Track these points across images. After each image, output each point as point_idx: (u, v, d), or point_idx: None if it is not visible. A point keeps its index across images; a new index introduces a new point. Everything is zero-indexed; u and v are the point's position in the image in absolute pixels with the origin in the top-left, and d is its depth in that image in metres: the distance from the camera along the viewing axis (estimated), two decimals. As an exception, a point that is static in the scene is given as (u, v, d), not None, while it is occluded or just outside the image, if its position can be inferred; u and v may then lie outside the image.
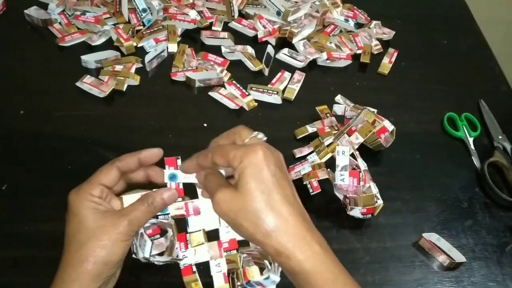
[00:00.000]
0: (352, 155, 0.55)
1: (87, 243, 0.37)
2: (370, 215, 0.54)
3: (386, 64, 0.74)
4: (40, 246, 0.51)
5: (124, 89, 0.66)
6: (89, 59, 0.68)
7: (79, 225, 0.38)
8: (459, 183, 0.62)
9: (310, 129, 0.63)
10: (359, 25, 0.80)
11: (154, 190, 0.41)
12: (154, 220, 0.42)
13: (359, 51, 0.75)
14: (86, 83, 0.66)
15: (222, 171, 0.40)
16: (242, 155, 0.35)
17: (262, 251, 0.44)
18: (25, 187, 0.55)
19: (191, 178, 0.41)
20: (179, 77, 0.68)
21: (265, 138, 0.40)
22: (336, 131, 0.61)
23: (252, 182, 0.35)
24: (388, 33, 0.78)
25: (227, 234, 0.42)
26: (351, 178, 0.53)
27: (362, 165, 0.55)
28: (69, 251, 0.38)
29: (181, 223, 0.43)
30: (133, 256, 0.42)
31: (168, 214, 0.42)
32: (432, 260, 0.54)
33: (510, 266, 0.55)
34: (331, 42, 0.75)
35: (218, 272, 0.42)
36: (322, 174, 0.57)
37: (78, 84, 0.66)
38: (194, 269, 0.42)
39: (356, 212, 0.54)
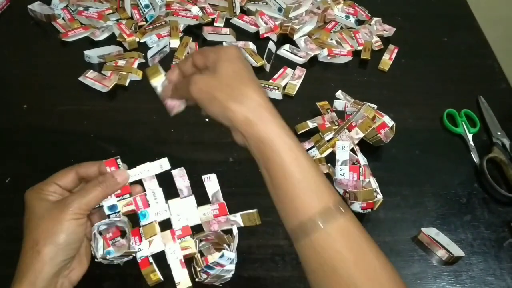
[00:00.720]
0: (352, 150, 0.55)
1: (37, 228, 0.37)
2: (369, 210, 0.54)
3: (387, 61, 0.74)
4: None
5: (127, 84, 0.66)
6: (92, 54, 0.67)
7: (31, 214, 0.39)
8: (458, 178, 0.62)
9: (311, 124, 0.63)
10: (359, 22, 0.80)
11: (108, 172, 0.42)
12: (107, 221, 0.42)
13: (359, 48, 0.74)
14: (89, 78, 0.66)
15: None
16: (220, 49, 0.41)
17: (218, 233, 0.44)
18: (28, 181, 0.54)
19: (162, 206, 0.43)
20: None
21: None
22: (336, 127, 0.61)
23: (226, 64, 0.40)
24: (388, 30, 0.78)
25: (179, 222, 0.43)
26: (351, 173, 0.53)
27: (362, 160, 0.55)
28: (24, 240, 0.38)
29: (133, 218, 0.43)
30: (95, 259, 0.42)
31: (119, 211, 0.42)
32: (431, 254, 0.54)
33: (508, 260, 0.55)
34: (332, 39, 0.75)
35: (174, 259, 0.42)
36: (323, 169, 0.57)
37: (81, 79, 0.66)
38: (151, 260, 0.42)
39: (356, 206, 0.54)
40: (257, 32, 0.74)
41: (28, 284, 0.36)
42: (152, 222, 0.43)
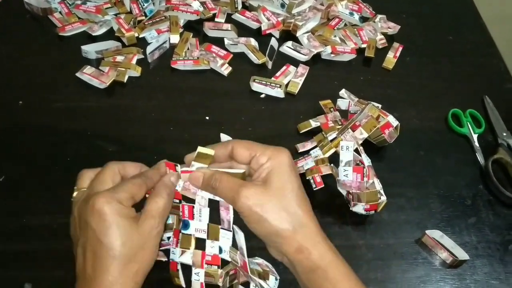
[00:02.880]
0: (356, 150, 0.55)
1: (135, 256, 0.36)
2: (373, 212, 0.54)
3: (391, 59, 0.73)
4: (38, 239, 0.50)
5: (125, 80, 0.65)
6: (90, 50, 0.66)
7: (122, 237, 0.35)
8: (463, 180, 0.61)
9: (314, 123, 0.62)
10: (364, 19, 0.79)
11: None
12: None
13: (363, 45, 0.74)
14: (86, 74, 0.65)
15: (230, 171, 0.40)
16: (271, 153, 0.38)
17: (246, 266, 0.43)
18: (24, 179, 0.55)
19: (203, 226, 0.42)
20: (179, 65, 0.67)
21: None
22: (340, 126, 0.60)
23: (283, 179, 0.37)
24: (393, 28, 0.77)
25: (212, 248, 0.42)
26: (355, 174, 0.52)
27: (366, 160, 0.54)
28: (117, 265, 0.35)
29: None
30: None
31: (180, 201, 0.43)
32: (435, 257, 0.54)
33: (513, 264, 0.54)
34: (335, 36, 0.74)
35: (196, 280, 0.43)
36: (326, 170, 0.56)
37: (78, 74, 0.65)
38: (179, 266, 0.44)
39: (359, 208, 0.53)
40: (259, 28, 0.73)
41: None
42: (191, 235, 0.43)
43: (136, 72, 0.66)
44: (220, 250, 0.42)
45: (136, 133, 0.61)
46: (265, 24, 0.73)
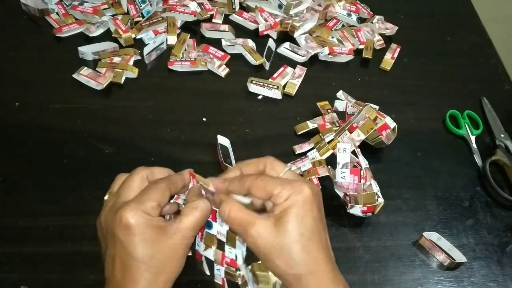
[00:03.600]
0: (353, 152, 0.54)
1: (164, 267, 0.36)
2: (370, 214, 0.53)
3: (389, 60, 0.73)
4: (34, 242, 0.50)
5: (122, 81, 0.65)
6: (87, 51, 0.66)
7: (151, 249, 0.36)
8: (461, 181, 0.61)
9: (311, 125, 0.61)
10: (361, 20, 0.78)
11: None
12: None
13: (361, 46, 0.73)
14: (83, 75, 0.64)
15: (243, 199, 0.39)
16: (290, 193, 0.35)
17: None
18: (20, 181, 0.54)
19: (223, 231, 0.42)
20: (176, 66, 0.67)
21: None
22: (337, 128, 0.60)
23: (295, 223, 0.35)
24: (391, 29, 0.77)
25: (230, 254, 0.43)
26: (352, 176, 0.52)
27: (364, 162, 0.54)
28: (147, 277, 0.36)
29: None
30: None
31: None
32: (432, 259, 0.54)
33: (511, 266, 0.54)
34: (333, 37, 0.74)
35: (218, 275, 0.44)
36: (323, 171, 0.56)
37: (75, 76, 0.64)
38: (203, 258, 0.45)
39: (357, 210, 0.52)
40: (257, 29, 0.73)
41: None
42: (214, 234, 0.43)
43: (133, 73, 0.65)
44: (236, 258, 0.42)
45: (133, 134, 0.60)
46: (262, 25, 0.72)
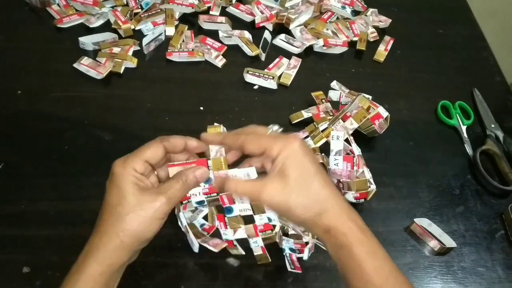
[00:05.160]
0: (347, 140, 0.53)
1: (125, 217, 0.36)
2: (363, 200, 0.52)
3: (382, 52, 0.72)
4: (36, 225, 0.49)
5: (122, 71, 0.64)
6: (87, 41, 0.65)
7: (120, 198, 0.37)
8: (452, 170, 0.60)
9: (306, 114, 0.60)
10: (355, 13, 0.77)
11: (187, 168, 0.40)
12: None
13: (355, 38, 0.72)
14: (84, 65, 0.63)
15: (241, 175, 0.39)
16: (281, 146, 0.37)
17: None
18: (22, 167, 0.54)
19: (247, 206, 0.42)
20: (174, 57, 0.66)
21: (280, 129, 0.43)
22: (331, 117, 0.59)
23: (296, 170, 0.36)
24: (384, 21, 0.75)
25: (261, 220, 0.44)
26: (345, 163, 0.51)
27: (356, 150, 0.53)
28: (107, 221, 0.37)
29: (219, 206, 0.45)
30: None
31: (205, 205, 0.44)
32: (423, 245, 0.53)
33: (500, 252, 0.53)
34: (327, 29, 0.73)
35: (256, 246, 0.46)
36: (317, 159, 0.55)
37: (75, 65, 0.63)
38: (235, 242, 0.47)
39: (349, 196, 0.52)
40: (253, 21, 0.72)
41: (107, 266, 0.36)
42: (237, 216, 0.44)
43: (132, 63, 0.64)
44: (270, 220, 0.44)
45: (132, 123, 0.59)
46: (258, 17, 0.71)
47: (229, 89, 0.64)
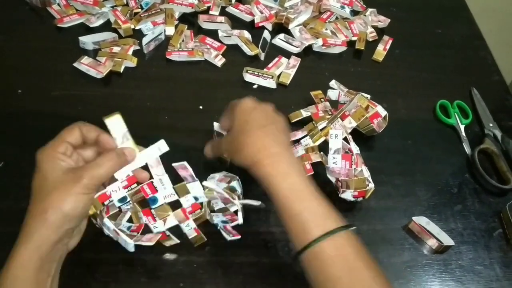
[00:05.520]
0: (345, 139, 0.53)
1: (48, 196, 0.37)
2: (361, 198, 0.52)
3: (381, 51, 0.72)
4: None
5: (121, 70, 0.64)
6: (87, 41, 0.65)
7: (42, 180, 0.38)
8: (450, 169, 0.60)
9: (304, 113, 0.60)
10: (355, 13, 0.77)
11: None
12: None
13: (354, 38, 0.72)
14: (84, 64, 0.63)
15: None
16: (233, 105, 0.47)
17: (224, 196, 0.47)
18: (22, 165, 0.53)
19: (170, 191, 0.44)
20: (174, 56, 0.66)
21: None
22: (330, 116, 0.59)
23: (236, 119, 0.46)
24: (383, 21, 0.75)
25: (188, 201, 0.45)
26: (344, 161, 0.51)
27: (355, 148, 0.53)
28: (32, 204, 0.38)
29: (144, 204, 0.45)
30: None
31: (129, 201, 0.43)
32: (421, 243, 0.53)
33: (497, 250, 0.53)
34: (326, 29, 0.72)
35: (189, 229, 0.47)
36: (315, 157, 0.55)
37: (75, 64, 0.63)
38: (168, 233, 0.46)
39: (348, 195, 0.52)
40: (253, 21, 0.72)
41: (34, 248, 0.36)
42: (162, 204, 0.44)
43: (132, 62, 0.64)
44: (196, 199, 0.45)
45: (132, 121, 0.57)
46: (258, 17, 0.71)
47: (229, 88, 0.64)
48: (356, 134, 0.57)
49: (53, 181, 0.37)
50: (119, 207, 0.44)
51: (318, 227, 0.39)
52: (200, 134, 0.58)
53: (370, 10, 0.76)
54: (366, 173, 0.52)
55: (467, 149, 0.62)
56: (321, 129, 0.57)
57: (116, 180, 0.42)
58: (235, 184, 0.48)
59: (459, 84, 0.70)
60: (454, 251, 0.52)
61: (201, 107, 0.62)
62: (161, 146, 0.42)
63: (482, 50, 0.76)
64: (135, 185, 0.42)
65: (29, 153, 0.54)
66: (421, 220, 0.53)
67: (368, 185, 0.51)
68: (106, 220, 0.43)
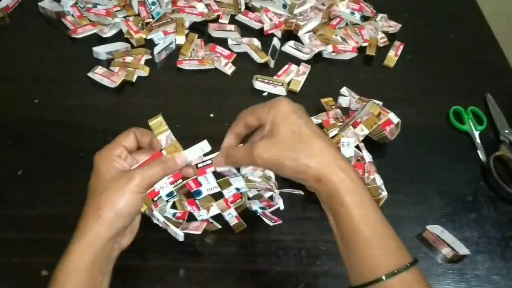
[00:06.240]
0: (357, 146, 0.52)
1: (101, 194, 0.38)
2: (373, 207, 0.51)
3: (392, 57, 0.71)
4: (53, 229, 0.50)
5: (134, 80, 0.64)
6: (101, 51, 0.66)
7: (97, 179, 0.39)
8: (464, 176, 0.58)
9: (315, 120, 0.60)
10: (365, 18, 0.76)
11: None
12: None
13: (364, 44, 0.71)
14: (98, 74, 0.64)
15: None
16: (269, 107, 0.39)
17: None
18: (40, 173, 0.55)
19: (213, 185, 0.46)
20: (185, 65, 0.66)
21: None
22: (341, 123, 0.58)
23: (282, 126, 0.38)
24: (394, 26, 0.74)
25: (230, 193, 0.48)
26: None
27: (367, 156, 0.52)
28: (87, 203, 0.39)
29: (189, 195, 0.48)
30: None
31: (175, 195, 0.46)
32: (435, 252, 0.51)
33: (515, 260, 0.51)
34: (336, 35, 0.72)
35: (231, 217, 0.49)
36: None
37: (89, 74, 0.64)
38: (211, 220, 0.50)
39: (360, 203, 0.51)
40: (262, 28, 0.71)
41: (87, 244, 0.38)
42: (206, 196, 0.47)
43: (144, 72, 0.65)
44: (238, 189, 0.47)
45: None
46: (267, 24, 0.71)
47: (239, 96, 0.64)
48: (368, 141, 0.56)
49: (107, 180, 0.38)
50: (167, 201, 0.46)
51: (388, 261, 0.36)
52: (211, 141, 0.58)
53: (380, 15, 0.75)
54: (379, 181, 0.51)
55: (482, 156, 0.60)
56: (332, 137, 0.56)
57: None
58: (268, 171, 0.49)
59: (473, 90, 0.69)
60: (470, 261, 0.51)
61: (212, 115, 0.62)
62: (204, 146, 0.43)
63: (496, 54, 0.74)
64: (181, 180, 0.45)
65: (46, 160, 0.56)
66: (436, 229, 0.52)
67: (381, 194, 0.51)
68: (156, 213, 0.46)
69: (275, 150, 0.37)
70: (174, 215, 0.50)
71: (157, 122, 0.42)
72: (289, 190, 0.47)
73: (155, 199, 0.44)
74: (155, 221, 0.47)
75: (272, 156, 0.37)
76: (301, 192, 0.47)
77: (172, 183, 0.44)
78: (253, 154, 0.38)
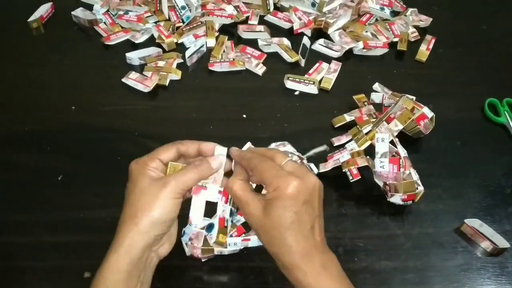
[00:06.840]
0: (392, 142, 0.55)
1: (137, 201, 0.39)
2: (410, 202, 0.53)
3: (424, 51, 0.73)
4: (94, 232, 0.53)
5: (167, 83, 0.68)
6: (133, 56, 0.70)
7: (132, 187, 0.40)
8: (501, 169, 0.60)
9: (348, 117, 0.62)
10: (395, 13, 0.78)
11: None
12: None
13: (395, 39, 0.73)
14: (132, 79, 0.68)
15: None
16: (277, 186, 0.38)
17: None
18: (79, 177, 0.58)
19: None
20: (216, 67, 0.70)
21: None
22: (374, 119, 0.61)
23: (277, 213, 0.38)
24: (425, 20, 0.76)
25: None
26: (391, 165, 0.53)
27: (402, 151, 0.54)
28: (123, 211, 0.40)
29: None
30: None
31: (235, 212, 0.48)
32: (474, 246, 0.53)
33: (557, 252, 0.53)
34: (367, 31, 0.74)
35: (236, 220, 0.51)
36: (362, 162, 0.57)
37: (124, 80, 0.68)
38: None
39: (397, 198, 0.53)
40: (291, 28, 0.75)
41: (124, 252, 0.38)
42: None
43: (176, 75, 0.68)
44: None
45: (179, 132, 0.63)
46: (297, 23, 0.74)
47: (270, 96, 0.67)
48: (402, 136, 0.58)
49: (142, 187, 0.39)
50: (232, 221, 0.48)
51: None
52: (244, 142, 0.62)
53: (410, 10, 0.77)
54: (415, 176, 0.53)
55: (519, 148, 0.62)
56: (366, 133, 0.58)
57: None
58: (289, 148, 0.51)
59: (507, 81, 0.70)
60: (510, 254, 0.52)
61: (244, 116, 0.65)
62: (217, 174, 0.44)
63: (531, 44, 0.75)
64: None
65: (85, 165, 0.60)
66: (474, 223, 0.54)
67: (417, 188, 0.53)
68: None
69: (260, 222, 0.39)
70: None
71: (178, 166, 0.43)
72: (315, 150, 0.50)
73: (225, 225, 0.46)
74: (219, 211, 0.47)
75: (254, 225, 0.39)
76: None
77: (226, 202, 0.44)
78: (244, 208, 0.40)
